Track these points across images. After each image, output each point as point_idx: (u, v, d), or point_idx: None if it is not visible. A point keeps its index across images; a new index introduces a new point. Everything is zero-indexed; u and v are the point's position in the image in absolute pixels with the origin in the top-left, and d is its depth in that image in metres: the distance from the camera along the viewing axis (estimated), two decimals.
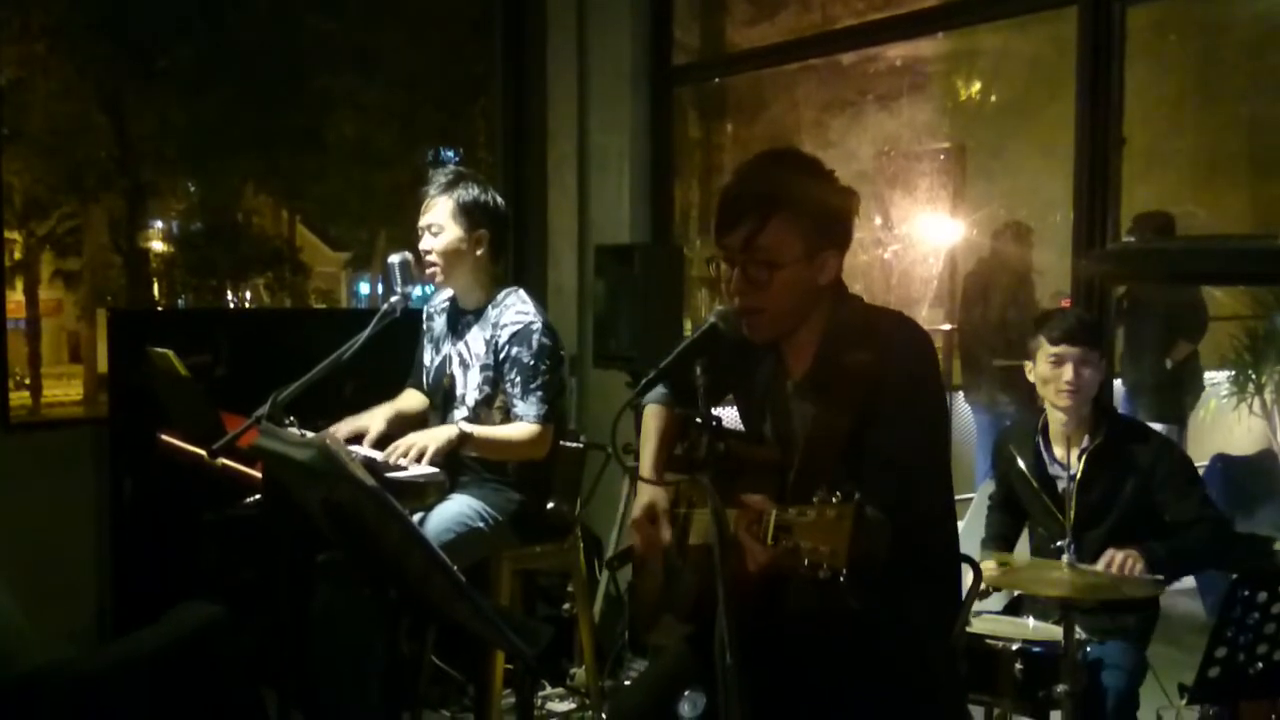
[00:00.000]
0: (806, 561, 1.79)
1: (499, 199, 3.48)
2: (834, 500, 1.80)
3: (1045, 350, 3.12)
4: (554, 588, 4.34)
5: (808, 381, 2.24)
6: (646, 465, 2.47)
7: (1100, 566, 2.94)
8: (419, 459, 3.09)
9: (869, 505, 1.80)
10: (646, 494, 2.39)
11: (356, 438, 3.29)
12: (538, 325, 3.36)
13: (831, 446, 2.11)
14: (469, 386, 3.42)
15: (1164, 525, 3.05)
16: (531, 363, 3.32)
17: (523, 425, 3.32)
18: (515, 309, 3.40)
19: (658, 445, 2.50)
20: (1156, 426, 3.36)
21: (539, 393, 3.32)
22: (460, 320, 3.50)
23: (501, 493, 3.40)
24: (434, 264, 3.38)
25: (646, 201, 5.02)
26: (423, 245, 3.39)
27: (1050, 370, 3.11)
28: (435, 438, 3.16)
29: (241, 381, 3.12)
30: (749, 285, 2.18)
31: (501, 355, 3.36)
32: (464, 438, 3.20)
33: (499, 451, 3.34)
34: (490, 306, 3.43)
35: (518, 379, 3.33)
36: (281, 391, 2.98)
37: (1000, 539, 3.40)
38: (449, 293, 3.57)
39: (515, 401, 3.34)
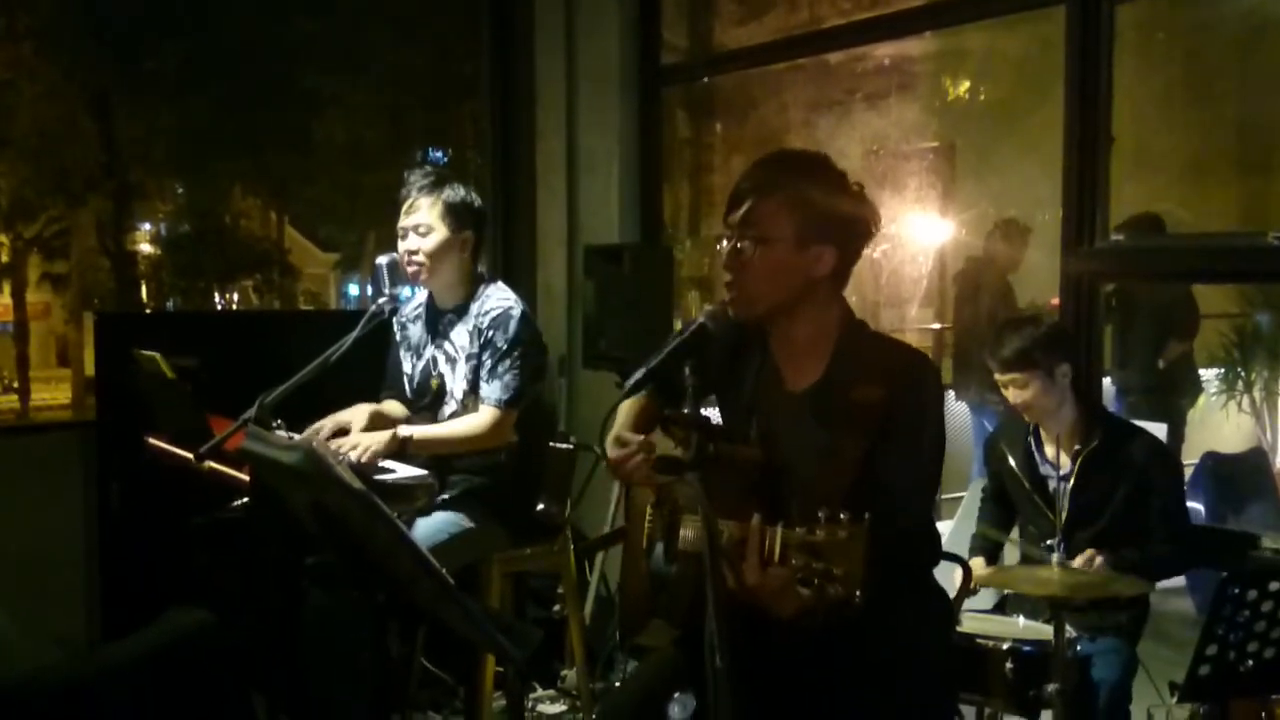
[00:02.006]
0: (816, 582, 1.79)
1: (479, 200, 3.48)
2: (842, 519, 1.80)
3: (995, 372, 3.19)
4: (544, 589, 4.32)
5: (814, 397, 2.23)
6: (612, 433, 2.35)
7: (1077, 563, 2.95)
8: (359, 459, 3.10)
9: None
10: (618, 424, 2.36)
11: (340, 434, 3.27)
12: (516, 311, 3.36)
13: (840, 469, 2.11)
14: (456, 380, 3.41)
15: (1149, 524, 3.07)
16: (504, 346, 3.32)
17: (476, 416, 3.31)
18: (496, 298, 3.40)
19: (627, 418, 2.42)
20: (1150, 426, 3.35)
21: (505, 377, 3.30)
22: (440, 321, 3.49)
23: (491, 495, 3.38)
24: (419, 264, 3.36)
25: (635, 202, 5.01)
26: (407, 246, 3.36)
27: (1003, 390, 3.19)
28: (376, 439, 3.17)
29: (229, 384, 3.09)
30: (735, 259, 2.21)
31: (483, 340, 3.35)
32: (404, 441, 3.19)
33: (448, 447, 3.32)
34: (472, 301, 3.42)
35: (489, 360, 3.33)
36: (268, 394, 2.96)
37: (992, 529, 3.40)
38: (421, 299, 3.56)
39: (481, 384, 3.33)
